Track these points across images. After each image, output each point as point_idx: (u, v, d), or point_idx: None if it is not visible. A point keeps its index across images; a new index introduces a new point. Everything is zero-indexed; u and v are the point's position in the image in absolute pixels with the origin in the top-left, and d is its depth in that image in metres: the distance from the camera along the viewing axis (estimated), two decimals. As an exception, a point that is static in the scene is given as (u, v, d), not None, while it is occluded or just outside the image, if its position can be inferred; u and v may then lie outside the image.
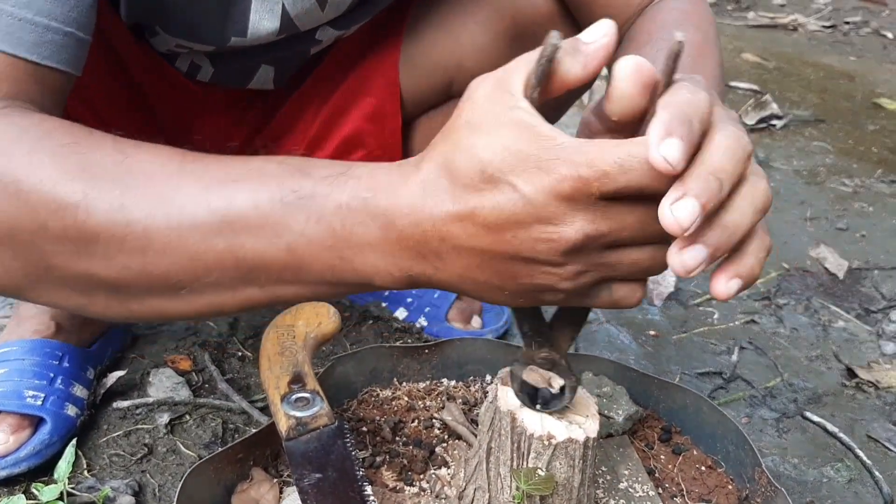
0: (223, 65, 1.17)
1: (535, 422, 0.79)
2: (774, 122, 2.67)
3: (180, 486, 0.83)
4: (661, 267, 0.60)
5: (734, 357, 1.49)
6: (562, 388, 0.78)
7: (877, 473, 1.23)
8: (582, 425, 0.80)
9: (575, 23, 1.13)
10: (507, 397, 0.82)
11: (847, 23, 4.10)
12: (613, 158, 0.54)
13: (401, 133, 1.26)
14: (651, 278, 1.75)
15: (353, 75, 1.28)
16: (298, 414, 0.90)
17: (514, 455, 0.80)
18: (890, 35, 3.93)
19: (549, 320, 0.77)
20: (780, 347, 1.54)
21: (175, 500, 0.81)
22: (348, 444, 0.89)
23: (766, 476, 0.92)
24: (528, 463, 0.79)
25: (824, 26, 4.00)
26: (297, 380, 0.95)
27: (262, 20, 1.00)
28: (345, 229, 0.61)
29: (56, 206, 0.63)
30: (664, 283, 1.72)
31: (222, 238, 0.63)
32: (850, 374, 1.47)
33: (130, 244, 0.63)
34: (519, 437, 0.79)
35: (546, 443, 0.78)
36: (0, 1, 0.68)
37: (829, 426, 1.33)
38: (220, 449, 0.91)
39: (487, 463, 0.83)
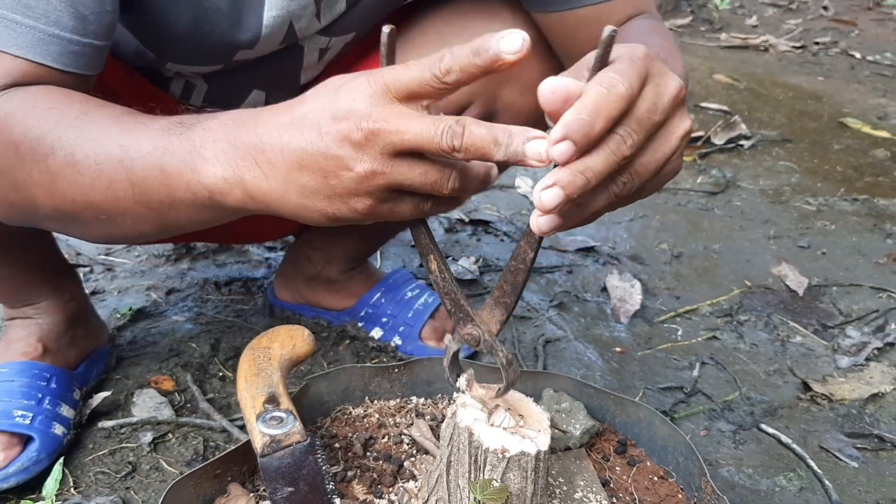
0: (217, 85, 1.23)
1: (491, 436, 0.85)
2: (743, 142, 2.76)
3: (161, 501, 0.88)
4: (445, 183, 0.74)
5: (695, 372, 1.56)
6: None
7: (827, 482, 1.30)
8: (534, 439, 0.87)
9: (550, 50, 1.20)
10: (464, 414, 0.88)
11: (817, 43, 4.22)
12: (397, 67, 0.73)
13: None
14: (617, 297, 1.82)
15: None
16: (272, 432, 0.96)
17: (472, 468, 0.86)
18: (858, 55, 4.04)
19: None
20: (739, 362, 1.61)
21: (156, 513, 0.86)
22: (319, 460, 0.95)
23: (710, 486, 0.99)
24: (484, 475, 0.86)
25: (794, 47, 4.11)
26: (271, 400, 1.01)
27: (271, 12, 1.07)
28: (203, 146, 0.78)
29: (37, 157, 0.85)
30: (630, 302, 1.79)
31: (123, 166, 0.82)
32: (806, 387, 1.54)
33: (72, 179, 0.84)
34: (476, 451, 0.86)
35: (500, 456, 0.84)
36: (32, 19, 0.85)
37: (784, 438, 1.39)
38: (199, 465, 0.97)
39: (447, 475, 0.89)
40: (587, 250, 2.02)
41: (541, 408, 0.93)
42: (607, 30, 0.69)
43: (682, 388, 1.52)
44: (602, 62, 0.70)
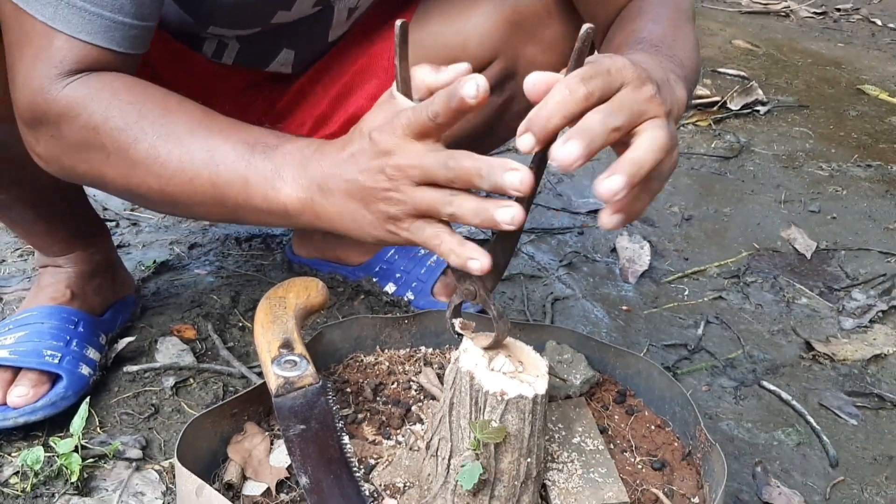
0: (248, 45, 1.29)
1: (491, 380, 0.90)
2: (759, 107, 2.76)
3: (180, 436, 0.94)
4: (442, 206, 0.80)
5: (700, 330, 1.60)
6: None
7: (825, 438, 1.34)
8: (532, 384, 0.91)
9: (573, 11, 1.24)
10: (466, 358, 0.93)
11: (838, 9, 4.17)
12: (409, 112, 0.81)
13: None
14: (626, 258, 1.86)
15: (362, 59, 1.40)
16: (286, 374, 1.01)
17: (473, 409, 0.91)
18: (879, 22, 3.99)
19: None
20: (744, 322, 1.65)
21: (176, 448, 0.92)
22: (330, 402, 1.01)
23: (704, 434, 1.03)
24: (483, 416, 0.91)
25: (815, 13, 4.07)
26: (286, 345, 1.06)
27: None
28: (283, 168, 0.89)
29: (118, 145, 0.94)
30: (639, 262, 1.82)
31: (207, 169, 0.92)
32: (808, 347, 1.57)
33: (154, 169, 0.94)
34: (476, 393, 0.91)
35: (499, 398, 0.89)
36: (99, 7, 0.92)
37: (784, 394, 1.44)
38: (215, 405, 1.03)
39: (450, 416, 0.94)
40: (598, 212, 2.05)
41: (540, 355, 0.98)
42: (584, 27, 0.76)
43: (685, 346, 1.56)
44: (578, 58, 0.77)
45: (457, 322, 0.96)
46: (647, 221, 2.02)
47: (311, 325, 1.51)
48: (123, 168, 0.96)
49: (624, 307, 1.68)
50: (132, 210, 1.98)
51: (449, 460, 0.94)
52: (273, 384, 1.01)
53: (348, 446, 0.95)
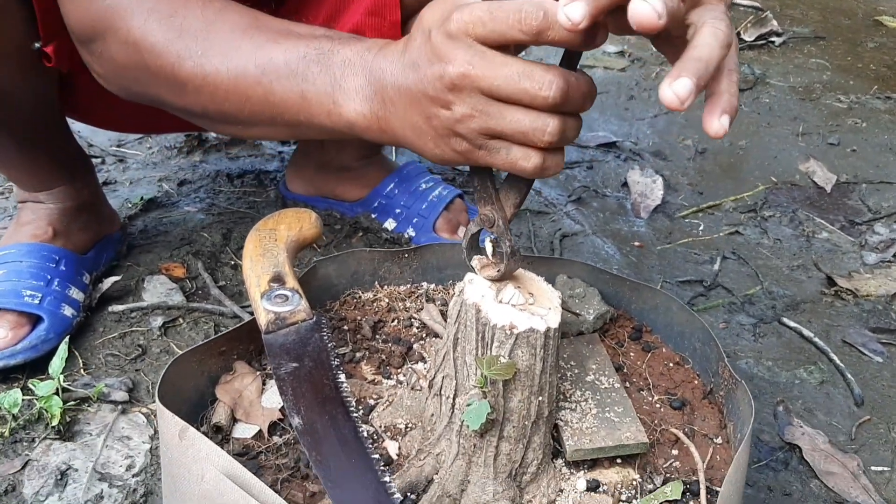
0: None
1: (499, 313, 0.83)
2: (773, 38, 2.65)
3: (162, 374, 0.87)
4: (539, 133, 0.71)
5: (716, 266, 1.52)
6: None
7: (849, 376, 1.27)
8: (543, 316, 0.84)
9: None
10: (472, 290, 0.85)
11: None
12: (485, 8, 0.68)
13: (400, 27, 1.27)
14: (638, 192, 1.78)
15: None
16: (277, 309, 0.94)
17: (479, 345, 0.84)
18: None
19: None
20: (762, 257, 1.57)
21: (157, 387, 0.85)
22: (325, 339, 0.93)
23: (728, 370, 0.96)
24: (491, 351, 0.83)
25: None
26: (277, 279, 0.99)
27: None
28: (343, 78, 0.81)
29: (161, 65, 0.90)
30: (651, 197, 1.74)
31: (261, 86, 0.86)
32: (830, 282, 1.50)
33: (205, 90, 0.89)
34: (483, 327, 0.83)
35: (508, 332, 0.82)
36: None
37: (805, 331, 1.36)
38: (202, 342, 0.96)
39: (454, 352, 0.86)
40: (608, 146, 1.97)
41: (552, 287, 0.90)
42: None
43: (701, 282, 1.48)
44: None
45: (476, 262, 0.87)
46: (659, 155, 1.93)
47: (304, 262, 1.44)
48: (173, 88, 0.91)
49: (636, 243, 1.60)
50: (118, 146, 1.89)
51: (454, 399, 0.87)
52: (263, 320, 0.93)
53: (345, 385, 0.88)
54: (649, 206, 1.71)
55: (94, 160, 1.80)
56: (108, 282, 1.32)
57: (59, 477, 1.03)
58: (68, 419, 1.10)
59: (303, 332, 0.93)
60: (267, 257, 1.02)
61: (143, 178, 1.75)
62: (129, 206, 1.63)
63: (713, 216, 1.70)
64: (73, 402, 1.12)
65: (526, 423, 0.85)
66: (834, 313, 1.43)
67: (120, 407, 1.14)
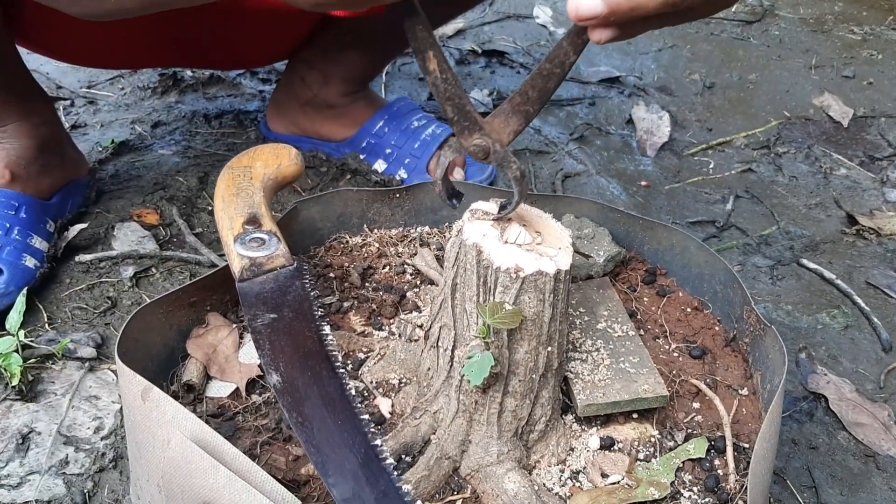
0: None
1: (502, 254, 0.73)
2: (783, -32, 2.51)
3: (122, 328, 0.77)
4: None
5: (729, 205, 1.43)
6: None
7: (875, 319, 1.18)
8: (553, 258, 0.74)
9: None
10: (472, 229, 0.75)
11: None
12: None
13: None
14: (644, 129, 1.67)
15: None
16: (252, 254, 0.84)
17: (480, 290, 0.74)
18: None
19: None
20: (777, 196, 1.47)
21: (117, 343, 0.75)
22: (307, 286, 0.83)
23: (755, 314, 0.87)
24: (494, 298, 0.74)
25: None
26: (252, 221, 0.88)
27: None
28: None
29: None
30: (658, 134, 1.63)
31: None
32: (851, 221, 1.40)
33: None
34: (485, 270, 0.73)
35: (513, 276, 0.72)
36: None
37: (826, 273, 1.27)
38: (169, 291, 0.86)
39: (453, 300, 0.77)
40: (611, 81, 1.85)
41: (561, 225, 0.80)
42: None
43: (713, 223, 1.39)
44: None
45: (474, 213, 0.77)
46: (664, 90, 1.82)
47: (285, 205, 1.33)
48: None
49: (643, 182, 1.50)
50: (89, 87, 1.76)
51: (452, 352, 0.77)
52: (236, 266, 0.83)
53: (330, 338, 0.78)
54: (656, 143, 1.61)
55: (62, 102, 1.69)
56: (75, 229, 1.22)
57: (20, 441, 0.94)
58: (30, 378, 1.01)
59: (281, 279, 0.83)
60: (241, 197, 0.91)
61: (115, 120, 1.64)
62: (100, 149, 1.51)
63: (724, 153, 1.60)
64: (35, 360, 1.03)
65: (533, 376, 0.76)
66: (856, 253, 1.33)
67: (87, 364, 1.04)
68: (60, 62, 1.61)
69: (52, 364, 1.04)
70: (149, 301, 0.84)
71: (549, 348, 0.76)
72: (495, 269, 0.72)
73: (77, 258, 1.20)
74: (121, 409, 0.98)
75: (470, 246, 0.74)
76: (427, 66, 0.73)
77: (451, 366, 0.77)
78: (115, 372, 1.03)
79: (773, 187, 1.49)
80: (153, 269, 1.21)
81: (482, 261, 0.73)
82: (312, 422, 0.68)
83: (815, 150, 1.60)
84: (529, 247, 0.75)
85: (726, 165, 1.56)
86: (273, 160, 0.98)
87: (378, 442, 0.69)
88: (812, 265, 1.29)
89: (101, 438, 0.95)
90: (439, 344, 0.79)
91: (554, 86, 0.72)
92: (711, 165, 1.56)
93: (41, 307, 1.12)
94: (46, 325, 1.10)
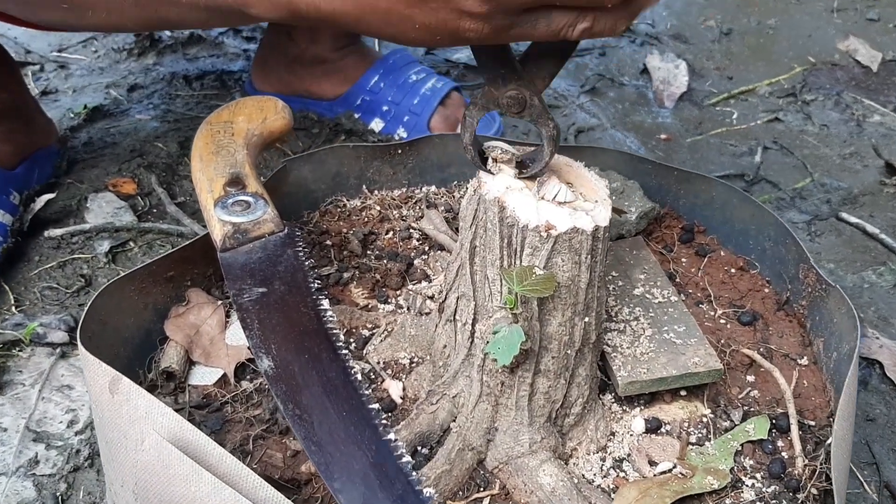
0: None
1: (530, 210, 0.61)
2: None
3: (87, 308, 0.66)
4: None
5: (757, 157, 1.31)
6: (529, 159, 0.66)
7: (926, 276, 1.08)
8: (589, 212, 0.63)
9: None
10: (493, 182, 0.64)
11: None
12: None
13: None
14: (660, 79, 1.55)
15: None
16: (236, 220, 0.73)
17: (504, 253, 0.63)
18: None
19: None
20: (808, 146, 1.36)
21: (79, 325, 0.64)
22: (300, 255, 0.72)
23: (814, 273, 0.76)
24: (521, 261, 0.62)
25: None
26: (235, 182, 0.77)
27: None
28: None
29: None
30: (675, 84, 1.51)
31: None
32: (890, 170, 1.29)
33: None
34: (510, 229, 0.62)
35: (544, 235, 0.61)
36: None
37: (869, 227, 1.16)
38: (140, 265, 0.74)
39: (471, 265, 0.66)
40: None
41: (594, 173, 0.68)
42: None
43: (742, 176, 1.27)
44: None
45: (491, 162, 0.65)
46: (679, 38, 1.69)
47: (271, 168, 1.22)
48: None
49: (662, 136, 1.38)
50: (60, 51, 1.64)
51: (473, 326, 0.66)
52: (218, 233, 0.72)
53: (329, 314, 0.67)
54: (674, 93, 1.49)
55: (31, 67, 1.56)
56: (42, 200, 1.10)
57: (-17, 439, 0.83)
58: (-5, 367, 0.90)
59: (270, 247, 0.72)
60: (221, 156, 0.80)
61: (89, 85, 1.51)
62: (72, 116, 1.39)
63: (747, 102, 1.48)
64: (-1, 347, 0.92)
65: (568, 351, 0.65)
66: (898, 205, 1.22)
67: (58, 350, 0.93)
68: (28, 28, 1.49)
69: (19, 351, 0.93)
70: (116, 277, 0.72)
71: (587, 319, 0.65)
72: (522, 227, 0.61)
73: (46, 233, 1.09)
74: (96, 399, 0.88)
75: (491, 201, 0.63)
76: None
77: (472, 342, 0.66)
78: (89, 358, 0.92)
79: (802, 137, 1.38)
80: (131, 243, 1.10)
81: (506, 218, 0.62)
82: (312, 414, 0.57)
83: (844, 97, 1.48)
84: (562, 202, 0.63)
85: (751, 115, 1.44)
86: (257, 114, 0.86)
87: (391, 436, 0.58)
88: (853, 219, 1.18)
89: (76, 433, 0.84)
90: (457, 317, 0.68)
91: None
92: (735, 116, 1.44)
93: (7, 288, 1.01)
94: (13, 308, 0.99)
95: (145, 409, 0.58)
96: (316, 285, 0.69)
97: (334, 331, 0.66)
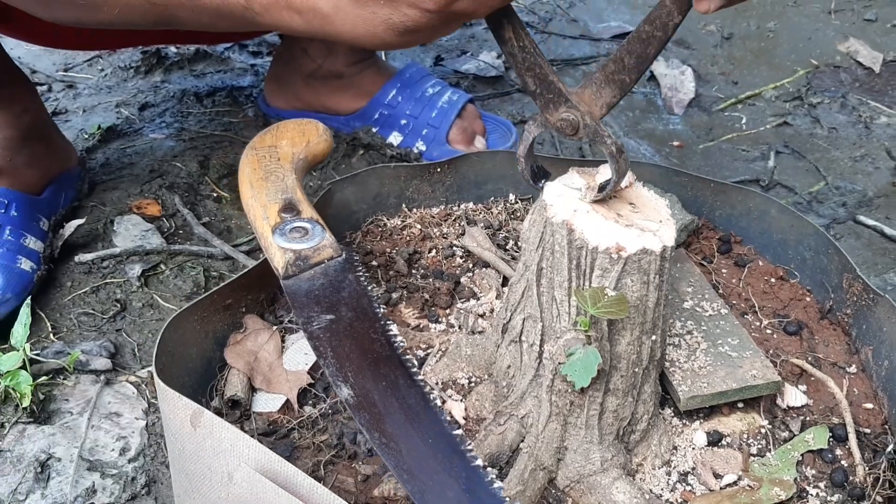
0: None
1: (599, 232, 0.63)
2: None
3: (158, 340, 0.67)
4: None
5: (770, 162, 1.33)
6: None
7: (947, 276, 1.10)
8: (656, 232, 0.64)
9: None
10: (559, 205, 0.65)
11: None
12: None
13: None
14: (667, 86, 1.58)
15: None
16: (296, 247, 0.73)
17: (573, 275, 0.64)
18: None
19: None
20: (819, 149, 1.38)
21: (154, 358, 0.65)
22: (361, 279, 0.73)
23: (861, 282, 0.78)
24: (590, 283, 0.64)
25: None
26: (288, 208, 0.78)
27: None
28: None
29: None
30: (683, 91, 1.53)
31: None
32: (901, 172, 1.32)
33: None
34: (578, 252, 0.63)
35: (615, 257, 0.62)
36: None
37: (887, 229, 1.19)
38: (202, 295, 0.75)
39: (538, 287, 0.67)
40: (623, 37, 1.74)
41: (654, 192, 0.70)
42: None
43: (758, 181, 1.30)
44: None
45: (548, 187, 0.67)
46: (681, 44, 1.71)
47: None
48: None
49: (675, 143, 1.40)
50: (66, 70, 1.63)
51: (540, 347, 0.68)
52: (279, 261, 0.73)
53: (399, 339, 0.68)
54: (682, 100, 1.51)
55: (39, 88, 1.55)
56: (71, 226, 1.10)
57: (38, 469, 0.83)
58: (42, 397, 0.89)
59: (332, 273, 0.72)
60: (271, 181, 0.80)
61: (98, 104, 1.51)
62: (86, 136, 1.39)
63: (755, 107, 1.51)
64: (45, 377, 0.91)
65: (636, 370, 0.66)
66: (913, 206, 1.25)
67: (102, 377, 0.93)
68: (32, 45, 1.48)
69: (64, 379, 0.92)
70: (180, 310, 0.73)
71: (653, 337, 0.66)
72: (591, 249, 0.63)
73: (77, 258, 1.09)
74: (147, 425, 0.88)
75: (559, 224, 0.64)
76: (502, 35, 0.65)
77: (540, 363, 0.68)
78: (134, 384, 0.93)
79: (812, 140, 1.40)
80: (161, 266, 1.10)
81: (574, 241, 0.63)
82: (399, 442, 0.58)
83: (850, 99, 1.51)
84: (627, 221, 0.65)
85: (760, 120, 1.46)
86: (300, 138, 0.87)
87: (480, 462, 0.59)
88: (870, 222, 1.20)
89: (129, 461, 0.84)
90: (523, 338, 0.69)
91: (655, 51, 0.63)
92: (744, 121, 1.46)
93: (42, 315, 1.01)
94: (51, 336, 0.98)
95: (230, 442, 0.59)
96: (381, 310, 0.70)
97: (407, 356, 0.66)
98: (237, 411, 0.73)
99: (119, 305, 1.03)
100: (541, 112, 0.66)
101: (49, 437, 0.86)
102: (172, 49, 1.65)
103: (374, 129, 1.35)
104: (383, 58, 1.64)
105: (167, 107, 1.49)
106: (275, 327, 0.80)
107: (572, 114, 0.64)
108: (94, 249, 1.11)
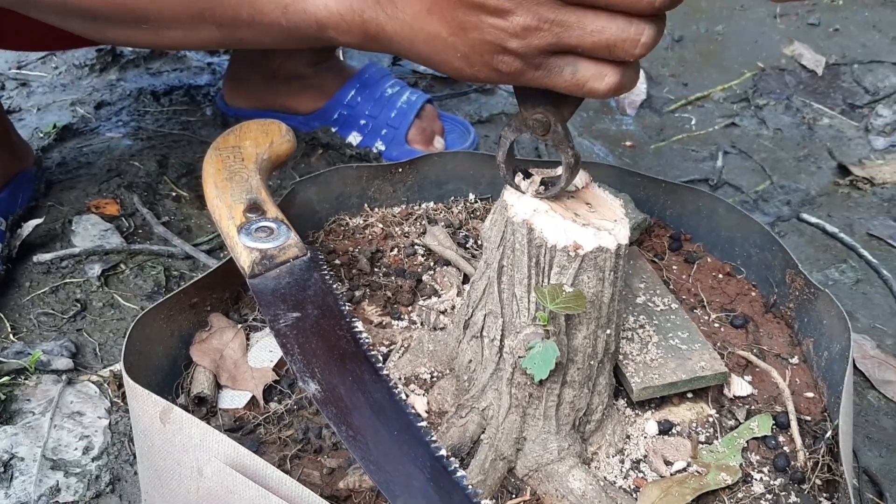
0: None
1: (557, 231, 0.65)
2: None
3: (126, 340, 0.68)
4: (630, 44, 0.56)
5: (718, 162, 1.38)
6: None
7: (884, 272, 1.15)
8: (611, 231, 0.67)
9: None
10: (520, 205, 0.68)
11: None
12: None
13: None
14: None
15: None
16: (262, 246, 0.75)
17: (533, 272, 0.67)
18: None
19: None
20: (765, 150, 1.43)
21: (122, 356, 0.66)
22: (327, 277, 0.75)
23: (802, 278, 0.82)
24: (549, 279, 0.66)
25: None
26: (253, 208, 0.79)
27: None
28: None
29: None
30: (635, 91, 1.57)
31: None
32: (843, 171, 1.37)
33: None
34: (538, 250, 0.66)
35: (572, 254, 0.65)
36: None
37: (828, 226, 1.24)
38: (167, 295, 0.76)
39: (499, 284, 0.69)
40: None
41: (609, 193, 0.73)
42: None
43: (706, 181, 1.34)
44: None
45: (526, 184, 0.69)
46: (633, 45, 1.75)
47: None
48: None
49: (627, 143, 1.44)
50: (19, 68, 1.61)
51: (501, 341, 0.70)
52: (246, 260, 0.74)
53: (364, 336, 0.70)
54: (634, 101, 1.55)
55: (-10, 85, 1.54)
56: (29, 226, 1.10)
57: (1, 469, 0.83)
58: (3, 397, 0.90)
59: (297, 271, 0.74)
60: (236, 181, 0.82)
61: (53, 102, 1.49)
62: (41, 135, 1.38)
63: (704, 108, 1.55)
64: (6, 377, 0.91)
65: (592, 362, 0.69)
66: (853, 205, 1.30)
67: (64, 377, 0.93)
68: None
69: (26, 380, 0.92)
70: (147, 309, 0.74)
71: (608, 331, 0.69)
72: (550, 247, 0.65)
73: (35, 258, 1.08)
74: (109, 423, 0.88)
75: (519, 224, 0.66)
76: None
77: (500, 357, 0.70)
78: (96, 383, 0.93)
79: (759, 141, 1.45)
80: (122, 266, 1.10)
81: (534, 239, 0.66)
82: (366, 434, 0.60)
83: (794, 101, 1.57)
84: (584, 220, 0.67)
85: (708, 121, 1.51)
86: (263, 138, 0.88)
87: (443, 452, 0.61)
88: (813, 219, 1.25)
89: (92, 459, 0.85)
90: (484, 334, 0.72)
91: None
92: (693, 122, 1.51)
93: (1, 315, 1.00)
94: (11, 336, 0.98)
95: (200, 437, 0.60)
96: (346, 308, 0.72)
97: (372, 352, 0.68)
98: (203, 408, 0.74)
99: (79, 305, 1.03)
100: (520, 110, 0.67)
101: (11, 437, 0.86)
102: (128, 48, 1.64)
103: (333, 129, 1.36)
104: (342, 57, 1.65)
105: (123, 105, 1.48)
106: (240, 325, 0.81)
107: (546, 116, 0.66)
108: (52, 249, 1.11)
